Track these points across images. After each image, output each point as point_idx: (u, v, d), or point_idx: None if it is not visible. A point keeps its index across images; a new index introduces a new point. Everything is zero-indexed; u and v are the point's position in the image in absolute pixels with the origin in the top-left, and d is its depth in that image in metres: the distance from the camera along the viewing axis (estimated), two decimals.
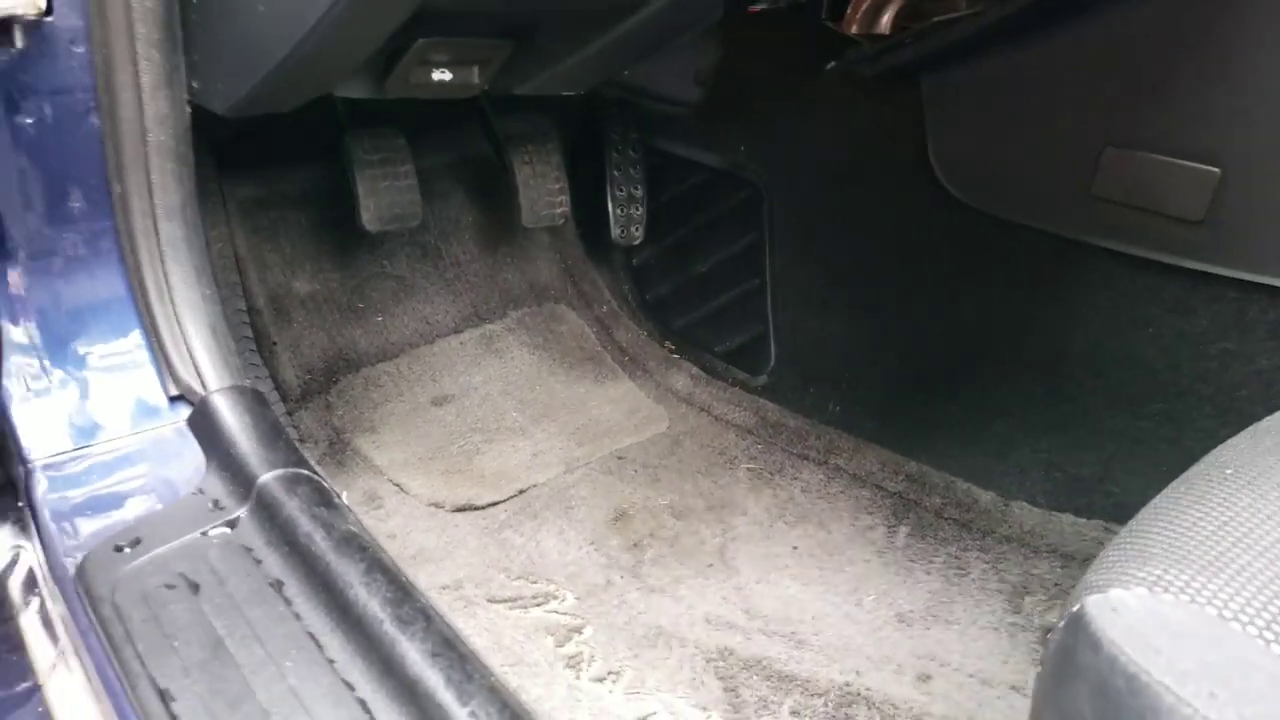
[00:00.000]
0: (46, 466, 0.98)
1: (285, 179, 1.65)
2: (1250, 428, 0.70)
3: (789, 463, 1.54)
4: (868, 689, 1.10)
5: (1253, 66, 1.12)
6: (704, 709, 1.07)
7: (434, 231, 1.82)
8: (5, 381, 0.97)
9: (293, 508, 0.93)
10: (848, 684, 1.11)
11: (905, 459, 1.51)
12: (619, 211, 1.86)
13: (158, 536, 0.92)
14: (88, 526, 0.94)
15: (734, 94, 1.71)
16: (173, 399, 1.07)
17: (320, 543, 0.90)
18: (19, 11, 0.86)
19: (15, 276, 1.02)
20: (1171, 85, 1.20)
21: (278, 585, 0.89)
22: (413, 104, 1.35)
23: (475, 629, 1.15)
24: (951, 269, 1.50)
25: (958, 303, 1.50)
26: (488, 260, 1.88)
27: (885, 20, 1.38)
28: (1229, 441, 0.69)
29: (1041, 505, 1.38)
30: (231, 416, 1.02)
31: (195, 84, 1.06)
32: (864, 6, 1.38)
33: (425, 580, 1.22)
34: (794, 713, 1.07)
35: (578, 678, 1.10)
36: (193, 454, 1.03)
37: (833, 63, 1.50)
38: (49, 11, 0.92)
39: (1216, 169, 1.17)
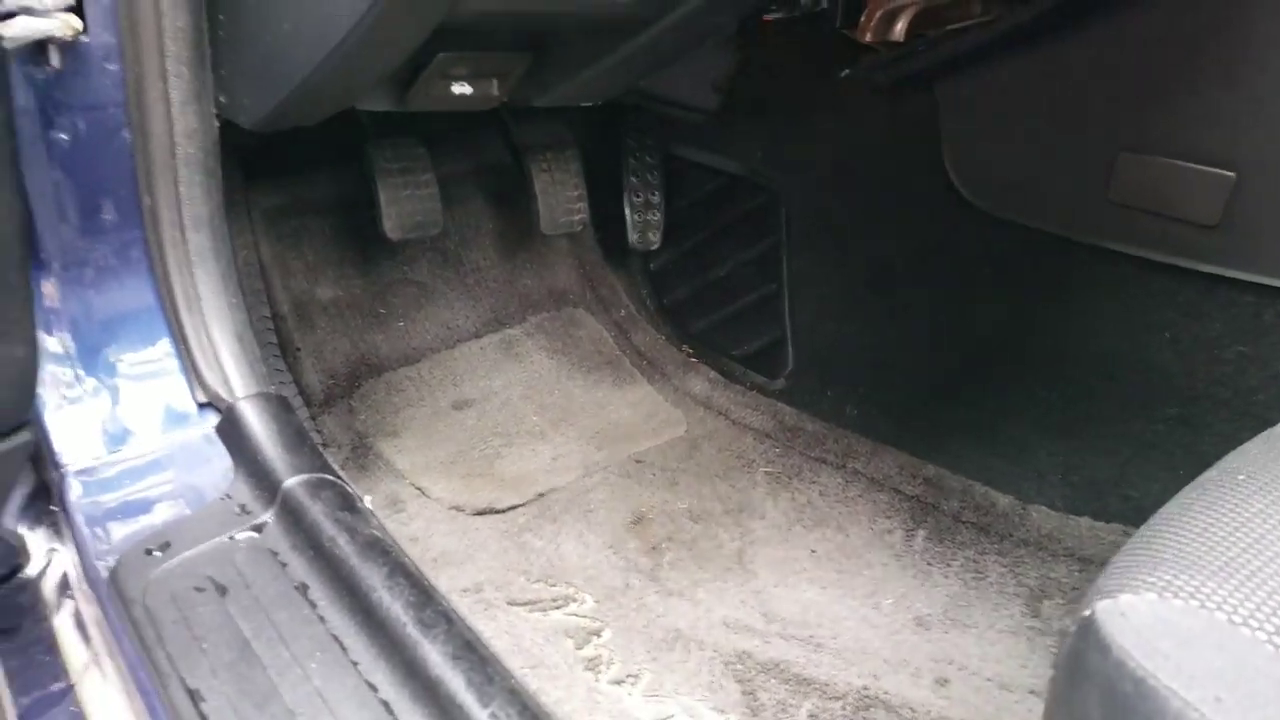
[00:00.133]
0: (79, 472, 1.01)
1: (308, 187, 1.68)
2: (1264, 433, 0.70)
3: (807, 466, 1.55)
4: (886, 692, 1.11)
5: (1267, 70, 1.12)
6: (722, 712, 1.08)
7: (454, 238, 1.84)
8: (40, 390, 1.00)
9: (317, 512, 0.95)
10: (866, 687, 1.12)
11: (923, 462, 1.51)
12: (636, 217, 1.88)
13: (187, 540, 0.95)
14: (119, 530, 0.97)
15: (751, 100, 1.73)
16: (201, 405, 1.10)
17: (344, 547, 0.92)
18: (56, 33, 0.89)
19: (49, 287, 1.05)
20: (1185, 89, 1.20)
21: (303, 588, 0.91)
22: (432, 113, 1.37)
23: (495, 631, 1.17)
24: (967, 273, 1.51)
25: (974, 307, 1.51)
26: (507, 266, 1.90)
27: (899, 28, 1.38)
28: (1242, 447, 0.69)
29: (1059, 508, 1.38)
30: (258, 423, 1.05)
31: (223, 99, 1.08)
32: (878, 14, 1.39)
33: (446, 583, 1.24)
34: (812, 716, 1.08)
35: (597, 680, 1.12)
36: (220, 459, 1.06)
37: (847, 70, 1.51)
38: (84, 31, 0.94)
39: (1231, 173, 1.17)
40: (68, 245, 1.05)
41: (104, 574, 0.92)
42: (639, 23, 1.20)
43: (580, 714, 1.07)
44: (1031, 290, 1.43)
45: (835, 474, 1.52)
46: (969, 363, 1.52)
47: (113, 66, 0.99)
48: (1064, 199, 1.35)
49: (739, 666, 1.14)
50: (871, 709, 1.09)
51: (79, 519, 0.98)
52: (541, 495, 1.46)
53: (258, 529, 0.97)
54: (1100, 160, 1.28)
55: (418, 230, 1.58)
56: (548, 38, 1.28)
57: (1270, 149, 1.14)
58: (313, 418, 1.53)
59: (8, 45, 0.87)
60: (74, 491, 1.00)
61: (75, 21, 0.92)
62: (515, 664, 1.10)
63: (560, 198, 1.73)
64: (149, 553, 0.93)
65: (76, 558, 0.99)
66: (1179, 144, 1.21)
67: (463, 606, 1.17)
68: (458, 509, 1.42)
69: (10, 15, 0.88)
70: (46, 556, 1.05)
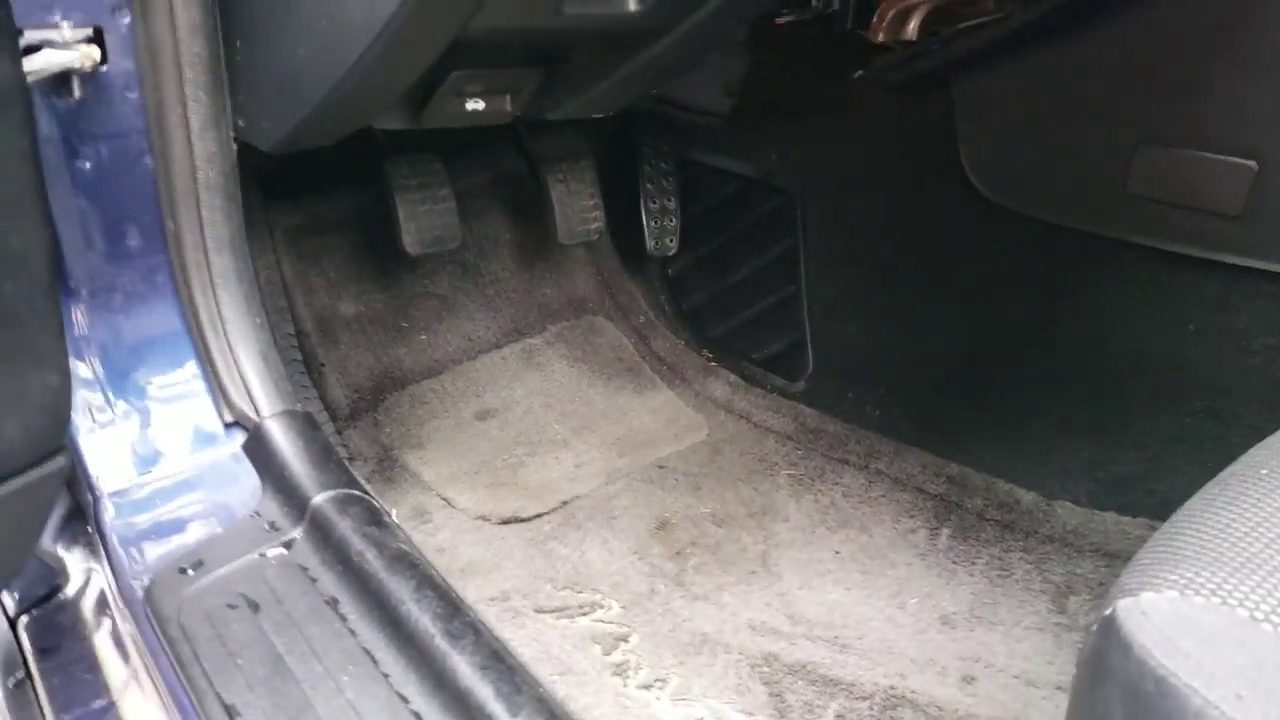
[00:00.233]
0: (113, 494, 1.03)
1: (328, 206, 1.70)
2: None
3: (829, 468, 1.55)
4: (913, 691, 1.11)
5: None
6: (750, 714, 1.09)
7: (473, 250, 1.86)
8: (73, 415, 1.02)
9: (345, 528, 0.97)
10: (892, 687, 1.12)
11: (946, 461, 1.51)
12: (653, 223, 1.88)
13: (218, 558, 0.97)
14: (153, 550, 0.99)
15: (764, 103, 1.73)
16: (228, 425, 1.12)
17: (372, 561, 0.93)
18: (77, 64, 0.91)
19: (79, 314, 1.07)
20: (1203, 80, 1.19)
21: (333, 603, 0.92)
22: (447, 128, 1.38)
23: (523, 639, 1.18)
24: (987, 271, 1.50)
25: (994, 304, 1.50)
26: (526, 276, 1.91)
27: (911, 27, 1.38)
28: (1265, 441, 0.69)
29: (1084, 504, 1.37)
30: (284, 441, 1.06)
31: (241, 123, 1.10)
32: (890, 14, 1.39)
33: (474, 592, 1.25)
34: (839, 716, 1.08)
35: (625, 685, 1.13)
36: (249, 478, 1.07)
37: (860, 71, 1.51)
38: (104, 61, 0.96)
39: (1253, 162, 1.16)
40: (95, 272, 1.07)
41: (139, 593, 0.94)
42: (650, 34, 1.21)
43: (609, 719, 1.08)
44: (1052, 286, 1.43)
45: (858, 475, 1.52)
46: (990, 360, 1.52)
47: (133, 95, 1.01)
48: (1084, 193, 1.34)
49: (765, 669, 1.15)
50: (898, 708, 1.09)
51: (114, 540, 1.00)
52: (565, 503, 1.47)
53: (287, 545, 0.99)
54: (1119, 153, 1.28)
55: (436, 244, 1.60)
56: (559, 53, 1.30)
57: None
58: (338, 432, 1.55)
59: (31, 79, 0.89)
60: (108, 513, 1.02)
61: (95, 52, 0.94)
62: (543, 671, 1.11)
63: (576, 207, 1.74)
64: (182, 571, 0.95)
65: (113, 577, 1.01)
66: (1198, 135, 1.20)
67: (490, 615, 1.18)
68: (483, 518, 1.43)
69: (33, 49, 0.90)
70: (84, 575, 1.07)
